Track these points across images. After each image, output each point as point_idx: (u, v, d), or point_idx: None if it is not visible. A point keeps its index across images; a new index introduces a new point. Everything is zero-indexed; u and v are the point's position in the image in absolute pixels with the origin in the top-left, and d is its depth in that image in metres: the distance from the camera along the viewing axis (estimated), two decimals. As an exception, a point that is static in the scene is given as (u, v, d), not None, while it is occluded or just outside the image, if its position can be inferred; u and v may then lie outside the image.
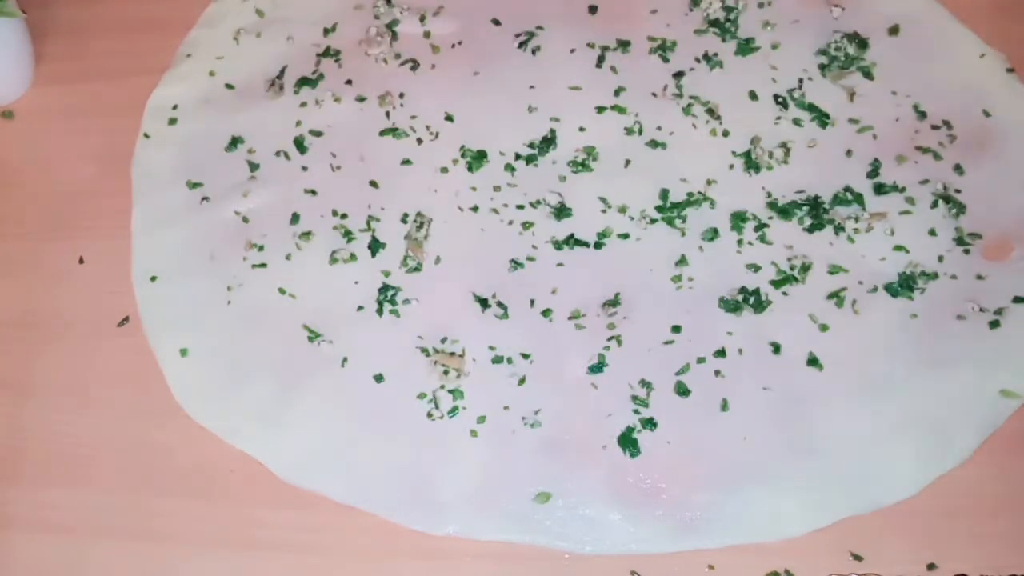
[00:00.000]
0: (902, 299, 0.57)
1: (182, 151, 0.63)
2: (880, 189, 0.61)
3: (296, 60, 0.66)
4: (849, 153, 0.62)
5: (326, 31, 0.67)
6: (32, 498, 0.54)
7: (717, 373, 0.55)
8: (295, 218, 0.61)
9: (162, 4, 0.69)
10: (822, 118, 0.63)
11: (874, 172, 0.61)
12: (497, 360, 0.56)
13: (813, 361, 0.56)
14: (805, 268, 0.58)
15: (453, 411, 0.55)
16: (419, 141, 0.63)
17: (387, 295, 0.58)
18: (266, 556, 0.52)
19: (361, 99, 0.65)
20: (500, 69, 0.65)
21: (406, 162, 0.62)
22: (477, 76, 0.65)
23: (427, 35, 0.67)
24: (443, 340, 0.57)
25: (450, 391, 0.55)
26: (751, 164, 0.62)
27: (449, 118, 0.64)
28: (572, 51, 0.66)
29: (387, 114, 0.64)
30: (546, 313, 0.57)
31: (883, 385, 0.55)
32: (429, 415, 0.55)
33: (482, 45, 0.66)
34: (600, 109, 0.64)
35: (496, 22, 0.67)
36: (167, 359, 0.57)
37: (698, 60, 0.65)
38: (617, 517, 0.52)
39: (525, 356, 0.56)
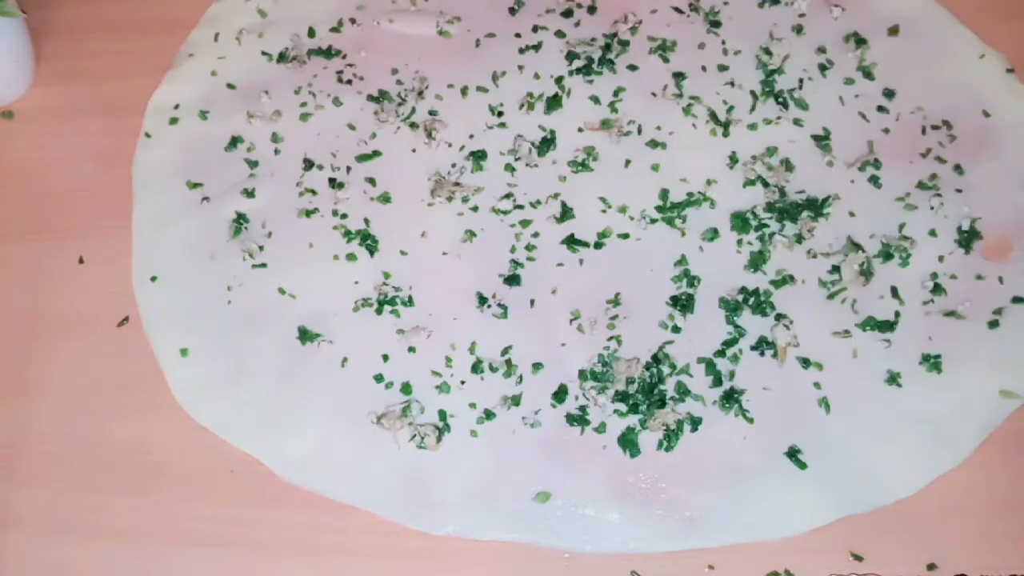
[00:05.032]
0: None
1: (183, 151, 0.63)
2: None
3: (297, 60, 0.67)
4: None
5: (324, 31, 0.68)
6: (32, 498, 0.54)
7: (717, 374, 0.56)
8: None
9: (163, 4, 0.69)
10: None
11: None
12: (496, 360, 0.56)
13: (813, 361, 0.56)
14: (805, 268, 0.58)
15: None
16: (429, 134, 0.63)
17: (386, 295, 0.58)
18: (266, 556, 0.52)
19: (370, 98, 0.65)
20: (501, 68, 0.65)
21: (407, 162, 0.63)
22: (479, 75, 0.65)
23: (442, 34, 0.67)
24: (429, 336, 0.57)
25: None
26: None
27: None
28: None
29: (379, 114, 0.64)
30: (546, 313, 0.57)
31: (883, 385, 0.55)
32: (429, 415, 0.55)
33: (486, 46, 0.66)
34: (600, 109, 0.64)
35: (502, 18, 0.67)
36: (167, 359, 0.57)
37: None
38: (617, 516, 0.52)
39: (527, 360, 0.56)
